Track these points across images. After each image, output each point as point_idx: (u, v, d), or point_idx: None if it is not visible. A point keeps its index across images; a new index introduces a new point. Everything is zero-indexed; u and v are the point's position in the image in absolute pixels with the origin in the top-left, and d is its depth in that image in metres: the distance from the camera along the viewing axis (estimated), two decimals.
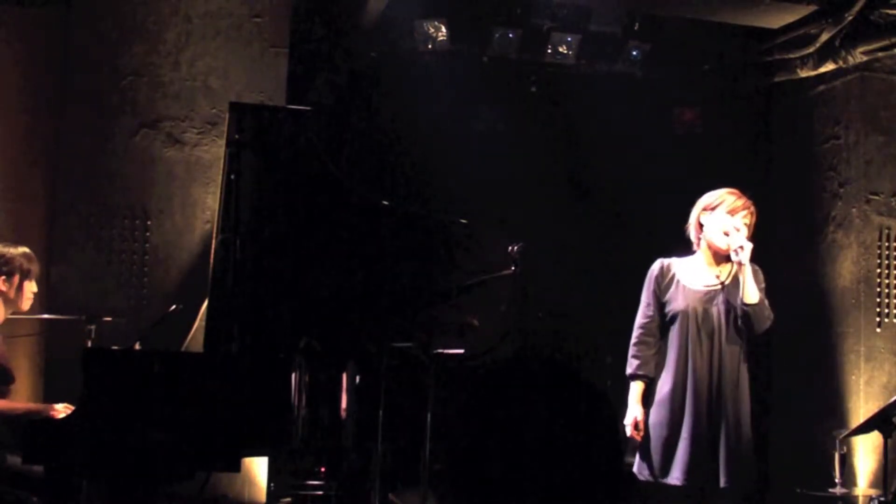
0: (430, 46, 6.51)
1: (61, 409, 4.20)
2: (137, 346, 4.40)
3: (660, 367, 4.24)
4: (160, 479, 3.90)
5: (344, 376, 4.47)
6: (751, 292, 4.10)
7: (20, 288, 4.41)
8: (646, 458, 4.20)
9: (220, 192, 4.10)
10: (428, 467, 4.55)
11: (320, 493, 5.86)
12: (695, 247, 4.33)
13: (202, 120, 5.71)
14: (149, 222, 5.63)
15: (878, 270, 6.40)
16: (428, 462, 4.55)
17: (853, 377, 6.34)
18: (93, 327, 4.83)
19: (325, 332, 4.31)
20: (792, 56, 6.60)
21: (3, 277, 4.38)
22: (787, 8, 6.15)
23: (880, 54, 6.32)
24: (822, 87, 6.73)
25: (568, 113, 7.12)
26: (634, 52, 6.73)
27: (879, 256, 6.42)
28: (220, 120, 5.59)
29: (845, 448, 5.96)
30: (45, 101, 5.69)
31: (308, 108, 4.71)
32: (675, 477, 4.09)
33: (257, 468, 5.53)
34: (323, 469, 5.92)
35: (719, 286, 4.22)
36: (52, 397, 4.86)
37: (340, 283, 4.25)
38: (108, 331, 4.93)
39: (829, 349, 6.47)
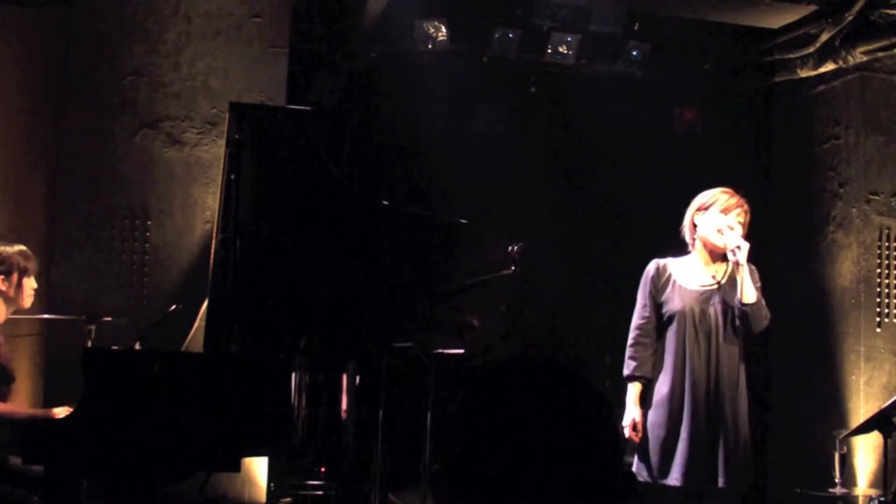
0: (430, 46, 6.51)
1: (61, 413, 4.20)
2: (137, 346, 4.39)
3: (657, 368, 4.23)
4: (160, 479, 3.90)
5: (344, 376, 4.48)
6: (749, 292, 4.10)
7: (19, 285, 4.41)
8: (644, 459, 4.20)
9: (220, 192, 4.10)
10: (428, 467, 4.55)
11: (320, 493, 5.86)
12: (690, 247, 4.33)
13: (202, 120, 5.72)
14: (149, 222, 5.63)
15: (878, 270, 6.40)
16: (428, 462, 4.55)
17: (853, 377, 6.34)
18: (93, 327, 4.84)
19: (325, 332, 4.31)
20: (792, 56, 6.60)
21: (2, 276, 4.38)
22: (787, 8, 6.15)
23: (880, 54, 6.32)
24: (822, 87, 6.73)
25: (568, 113, 7.12)
26: (634, 52, 6.72)
27: (879, 256, 6.42)
28: (220, 120, 5.59)
29: (845, 448, 5.95)
30: (45, 101, 5.69)
31: (308, 108, 4.72)
32: (674, 478, 4.09)
33: (257, 468, 5.53)
34: (323, 469, 5.92)
35: (716, 286, 4.22)
36: (52, 397, 4.87)
37: (340, 283, 4.25)
38: (108, 331, 4.93)
39: (829, 349, 6.47)
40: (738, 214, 4.22)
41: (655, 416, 4.18)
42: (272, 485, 5.68)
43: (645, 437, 4.19)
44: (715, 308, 4.19)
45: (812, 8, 6.12)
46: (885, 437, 4.63)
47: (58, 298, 5.39)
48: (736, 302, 4.12)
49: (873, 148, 6.46)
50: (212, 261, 4.09)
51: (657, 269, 4.31)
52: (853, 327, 6.38)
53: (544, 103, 7.16)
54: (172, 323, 4.60)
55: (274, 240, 4.21)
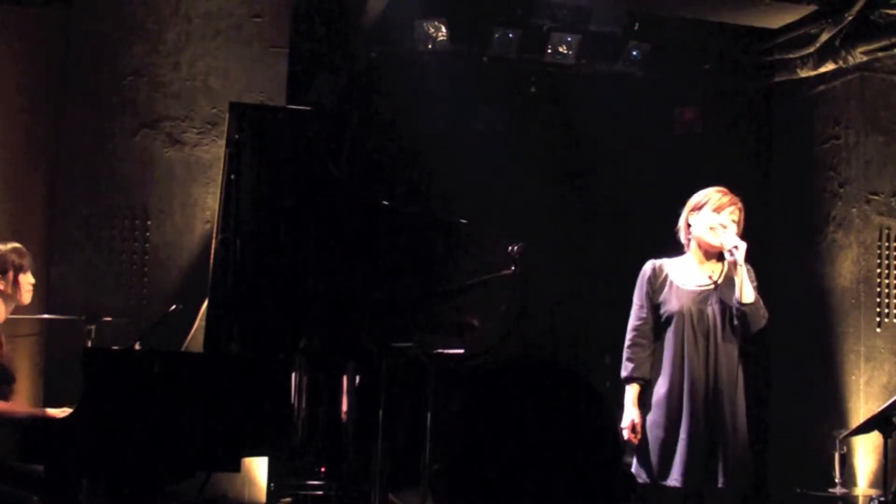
0: (430, 46, 6.51)
1: (61, 414, 4.20)
2: (137, 346, 4.39)
3: (655, 369, 4.22)
4: (160, 479, 3.90)
5: (344, 376, 4.48)
6: (747, 292, 4.09)
7: (16, 282, 4.41)
8: (644, 460, 4.19)
9: (220, 192, 4.10)
10: (428, 467, 4.55)
11: (320, 493, 5.86)
12: (685, 248, 4.32)
13: (202, 120, 5.72)
14: (149, 222, 5.63)
15: (878, 270, 6.40)
16: (428, 462, 4.55)
17: (853, 377, 6.34)
18: (93, 327, 4.84)
19: (325, 332, 4.31)
20: (792, 56, 6.60)
21: None
22: (787, 8, 6.15)
23: (880, 54, 6.32)
24: (822, 87, 6.73)
25: (568, 113, 7.12)
26: (634, 52, 6.73)
27: (879, 256, 6.42)
28: (220, 120, 5.59)
29: (845, 448, 5.95)
30: (45, 101, 5.69)
31: (308, 108, 4.72)
32: (674, 478, 4.08)
33: (257, 468, 5.53)
34: (323, 469, 5.92)
35: (712, 286, 4.22)
36: (52, 397, 4.87)
37: (340, 283, 4.25)
38: (108, 331, 4.93)
39: (829, 349, 6.47)
40: (732, 212, 4.21)
41: (654, 417, 4.17)
42: (272, 485, 5.68)
43: (644, 439, 4.18)
44: (713, 308, 4.18)
45: (812, 8, 6.13)
46: (885, 437, 4.62)
47: (58, 298, 5.39)
48: (734, 302, 4.11)
49: (873, 148, 6.46)
50: (212, 261, 4.09)
51: (653, 269, 4.30)
52: (853, 327, 6.38)
53: (544, 103, 7.16)
54: (172, 323, 4.60)
55: (274, 240, 4.21)
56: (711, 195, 4.25)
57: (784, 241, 6.94)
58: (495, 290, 4.37)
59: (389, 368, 4.32)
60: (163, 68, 5.70)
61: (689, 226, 4.29)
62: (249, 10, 5.81)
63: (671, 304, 4.21)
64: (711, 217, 4.21)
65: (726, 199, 4.23)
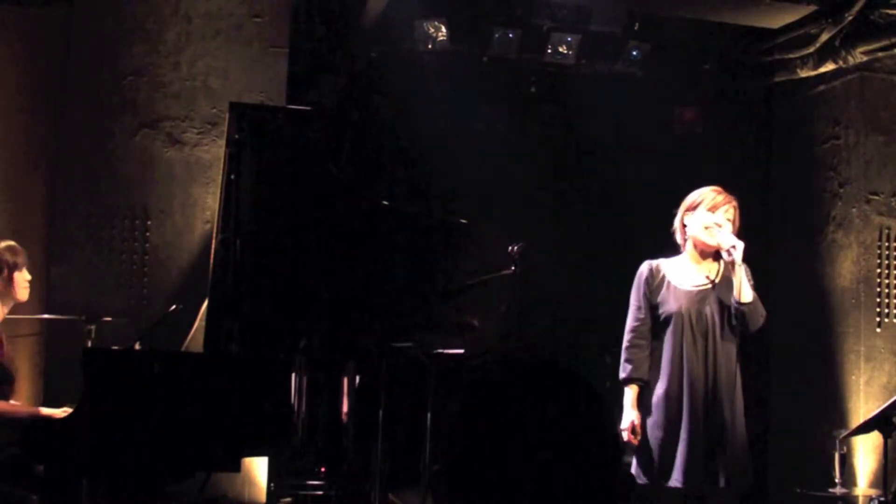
0: (430, 46, 6.51)
1: (60, 415, 4.20)
2: (137, 346, 4.39)
3: (653, 370, 4.21)
4: (160, 479, 3.90)
5: (344, 376, 4.48)
6: (746, 292, 4.08)
7: (10, 280, 4.40)
8: (644, 461, 4.18)
9: (220, 192, 4.10)
10: (428, 467, 4.55)
11: (320, 493, 5.86)
12: (682, 248, 4.32)
13: (202, 120, 5.72)
14: (149, 222, 5.63)
15: (878, 270, 6.40)
16: (428, 462, 4.55)
17: (853, 377, 6.34)
18: (93, 327, 4.84)
19: (325, 332, 4.31)
20: (792, 56, 6.60)
21: None
22: (787, 8, 6.14)
23: (880, 54, 6.32)
24: (822, 87, 6.73)
25: (568, 113, 7.12)
26: (634, 52, 6.73)
27: (879, 256, 6.42)
28: (220, 120, 5.59)
29: (845, 448, 5.95)
30: (45, 101, 5.69)
31: (308, 108, 4.72)
32: (675, 479, 4.07)
33: (257, 468, 5.53)
34: (323, 469, 5.92)
35: (710, 285, 4.21)
36: (52, 397, 4.87)
37: (340, 283, 4.25)
38: (108, 331, 4.93)
39: (829, 349, 6.47)
40: (727, 211, 4.21)
41: (654, 418, 4.16)
42: (272, 485, 5.68)
43: (644, 440, 4.17)
44: (711, 308, 4.17)
45: (812, 8, 6.12)
46: (885, 437, 4.62)
47: (58, 298, 5.39)
48: (733, 301, 4.10)
49: (873, 148, 6.46)
50: (212, 261, 4.09)
51: (650, 270, 4.29)
52: (853, 327, 6.38)
53: (544, 103, 7.16)
54: (172, 323, 4.60)
55: (274, 240, 4.21)
56: (706, 194, 4.25)
57: (784, 241, 6.94)
58: (495, 290, 4.37)
59: (389, 368, 4.33)
60: (163, 68, 5.70)
61: (684, 226, 4.28)
62: (249, 10, 5.81)
63: (669, 304, 4.20)
64: (707, 217, 4.20)
65: (721, 197, 4.23)
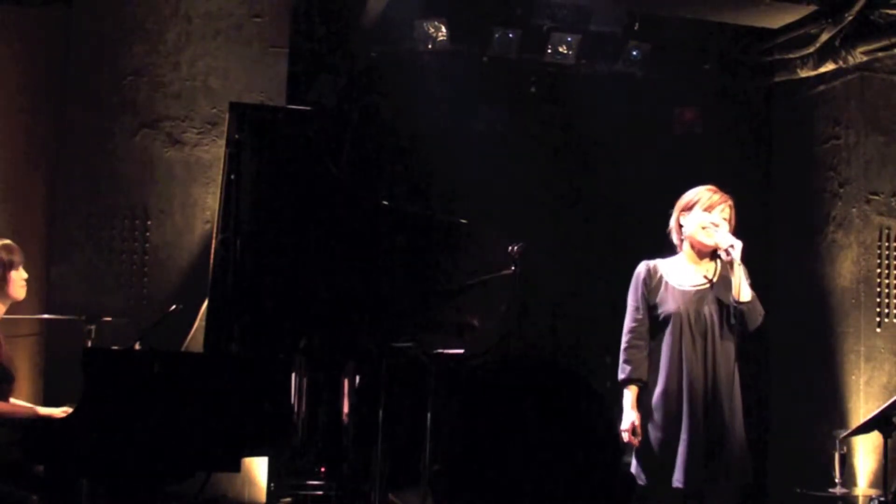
0: (430, 46, 6.51)
1: (60, 415, 4.20)
2: (137, 346, 4.39)
3: (652, 370, 4.21)
4: (160, 479, 3.90)
5: (344, 376, 4.48)
6: (745, 291, 4.08)
7: (6, 279, 4.39)
8: (644, 462, 4.17)
9: (220, 192, 4.10)
10: (428, 467, 4.56)
11: (320, 493, 5.86)
12: (678, 248, 4.32)
13: (202, 120, 5.72)
14: (149, 222, 5.63)
15: (878, 270, 6.40)
16: (428, 462, 4.55)
17: (853, 377, 6.34)
18: (93, 327, 4.83)
19: (325, 332, 4.31)
20: (792, 56, 6.60)
21: None
22: (787, 8, 6.14)
23: (880, 54, 6.32)
24: (822, 87, 6.73)
25: (568, 113, 7.12)
26: (634, 52, 6.73)
27: (879, 256, 6.42)
28: (220, 120, 5.59)
29: (845, 448, 5.95)
30: (45, 101, 5.69)
31: (308, 108, 4.71)
32: (676, 479, 4.06)
33: (257, 468, 5.53)
34: (323, 469, 5.93)
35: (708, 285, 4.21)
36: (52, 397, 4.87)
37: (340, 282, 4.25)
38: (108, 331, 4.93)
39: (829, 349, 6.47)
40: (723, 210, 4.20)
41: (653, 418, 4.15)
42: (272, 485, 5.68)
43: (644, 441, 4.17)
44: (709, 307, 4.17)
45: (812, 8, 6.12)
46: (885, 437, 4.62)
47: (58, 298, 5.39)
48: (731, 301, 4.10)
49: (873, 148, 6.46)
50: (212, 261, 4.09)
51: (648, 270, 4.28)
52: (853, 327, 6.38)
53: (544, 103, 7.16)
54: (172, 323, 4.60)
55: (274, 240, 4.21)
56: (702, 194, 4.25)
57: (784, 241, 6.94)
58: (495, 290, 4.37)
59: (389, 368, 4.32)
60: (163, 68, 5.70)
61: (680, 226, 4.28)
62: (249, 10, 5.81)
63: (668, 304, 4.20)
64: (703, 216, 4.20)
65: (717, 196, 4.23)
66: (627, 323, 4.27)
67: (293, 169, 4.22)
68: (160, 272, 5.61)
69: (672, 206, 4.38)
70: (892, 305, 6.39)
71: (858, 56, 6.28)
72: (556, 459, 4.87)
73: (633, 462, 4.24)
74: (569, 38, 6.62)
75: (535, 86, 7.06)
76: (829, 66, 6.47)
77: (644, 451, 4.18)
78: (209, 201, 5.62)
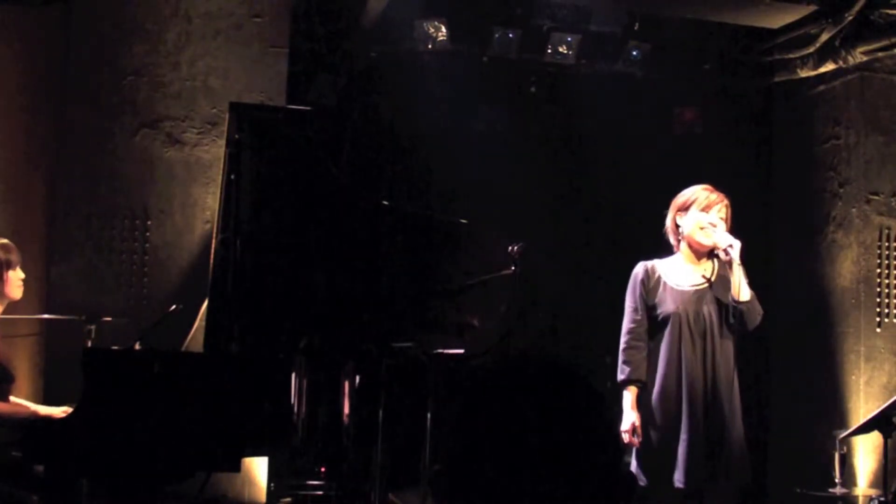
0: (430, 46, 6.51)
1: (60, 414, 4.19)
2: (137, 346, 4.39)
3: (651, 370, 4.21)
4: (160, 479, 3.90)
5: (344, 376, 4.48)
6: (744, 290, 4.08)
7: (3, 279, 4.39)
8: (645, 462, 4.17)
9: (220, 192, 4.10)
10: (428, 467, 4.55)
11: (320, 493, 5.86)
12: (675, 249, 4.32)
13: (202, 120, 5.72)
14: (149, 222, 5.63)
15: (878, 270, 6.40)
16: (428, 462, 4.55)
17: (853, 377, 6.34)
18: (93, 327, 4.83)
19: (325, 332, 4.31)
20: (792, 56, 6.60)
21: None
22: (787, 8, 6.14)
23: (880, 54, 6.32)
24: (822, 87, 6.73)
25: (568, 113, 7.12)
26: (634, 52, 6.72)
27: (879, 256, 6.42)
28: (220, 120, 5.59)
29: (845, 448, 5.95)
30: (45, 101, 5.69)
31: (308, 108, 4.71)
32: (677, 479, 4.06)
33: (257, 468, 5.53)
34: (323, 469, 5.93)
35: (706, 285, 4.20)
36: (52, 397, 4.86)
37: (340, 283, 4.25)
38: (108, 331, 4.93)
39: (829, 349, 6.47)
40: (720, 210, 4.20)
41: (653, 418, 4.15)
42: (272, 485, 5.68)
43: (644, 441, 4.16)
44: (708, 307, 4.17)
45: (812, 8, 6.12)
46: (885, 437, 4.62)
47: (58, 298, 5.39)
48: (731, 300, 4.09)
49: (873, 148, 6.46)
50: (212, 261, 4.09)
51: (646, 271, 4.28)
52: (853, 327, 6.38)
53: (544, 103, 7.15)
54: (172, 323, 4.60)
55: (274, 240, 4.21)
56: (698, 193, 4.24)
57: (784, 241, 6.94)
58: (495, 290, 4.37)
59: (389, 368, 4.32)
60: (163, 68, 5.70)
61: (677, 227, 4.27)
62: (249, 10, 5.81)
63: (667, 304, 4.19)
64: (700, 216, 4.19)
65: (714, 196, 4.22)
66: (626, 324, 4.27)
67: (293, 169, 4.22)
68: (160, 272, 5.61)
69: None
70: (892, 305, 6.39)
71: (858, 56, 6.28)
72: (556, 459, 4.87)
73: (633, 462, 4.24)
74: (569, 38, 6.62)
75: (535, 86, 7.06)
76: (829, 66, 6.47)
77: (644, 452, 4.17)
78: (209, 201, 5.62)
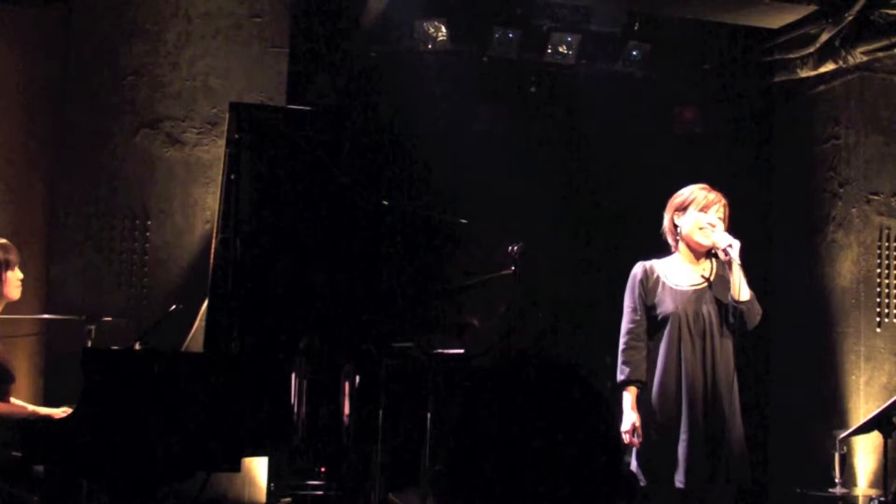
0: (430, 46, 6.51)
1: (60, 415, 4.19)
2: (137, 346, 4.39)
3: (650, 370, 4.20)
4: (160, 479, 3.90)
5: (344, 376, 4.48)
6: (744, 290, 4.08)
7: (1, 279, 4.39)
8: (645, 463, 4.17)
9: (220, 192, 4.10)
10: (428, 467, 4.55)
11: (320, 493, 5.86)
12: (673, 249, 4.31)
13: (202, 120, 5.72)
14: (149, 222, 5.63)
15: (878, 270, 6.40)
16: (428, 462, 4.55)
17: (853, 377, 6.34)
18: (93, 327, 4.83)
19: (325, 332, 4.31)
20: (792, 56, 6.60)
21: None
22: (787, 8, 6.14)
23: (880, 54, 6.32)
24: (822, 87, 6.73)
25: (568, 113, 7.12)
26: (634, 52, 6.72)
27: (879, 256, 6.42)
28: (220, 120, 5.59)
29: (845, 448, 5.95)
30: (45, 101, 5.69)
31: (308, 108, 4.71)
32: (677, 479, 4.06)
33: (257, 468, 5.53)
34: (323, 469, 5.92)
35: (706, 284, 4.20)
36: (52, 397, 4.87)
37: (340, 282, 4.25)
38: (108, 331, 4.93)
39: (829, 349, 6.47)
40: (718, 210, 4.20)
41: (653, 419, 4.15)
42: (272, 485, 5.68)
43: (644, 441, 4.16)
44: (708, 307, 4.17)
45: (812, 8, 6.12)
46: (885, 437, 4.63)
47: (58, 298, 5.39)
48: (730, 300, 4.09)
49: (873, 148, 6.46)
50: (212, 261, 4.09)
51: (644, 271, 4.28)
52: (853, 327, 6.37)
53: (544, 103, 7.15)
54: (172, 323, 4.60)
55: (274, 240, 4.21)
56: (696, 193, 4.24)
57: (784, 241, 6.94)
58: (495, 290, 4.37)
59: (389, 368, 4.33)
60: (163, 68, 5.70)
61: (675, 227, 4.27)
62: (249, 10, 5.81)
63: (666, 305, 4.19)
64: (699, 216, 4.19)
65: (712, 196, 4.22)
66: (625, 324, 4.26)
67: (293, 169, 4.22)
68: (160, 272, 5.61)
69: None
70: (892, 305, 6.39)
71: (858, 56, 6.28)
72: (556, 459, 4.86)
73: (633, 462, 4.24)
74: (569, 38, 6.62)
75: (535, 86, 7.06)
76: (829, 66, 6.47)
77: (644, 452, 4.17)
78: (209, 201, 5.62)
